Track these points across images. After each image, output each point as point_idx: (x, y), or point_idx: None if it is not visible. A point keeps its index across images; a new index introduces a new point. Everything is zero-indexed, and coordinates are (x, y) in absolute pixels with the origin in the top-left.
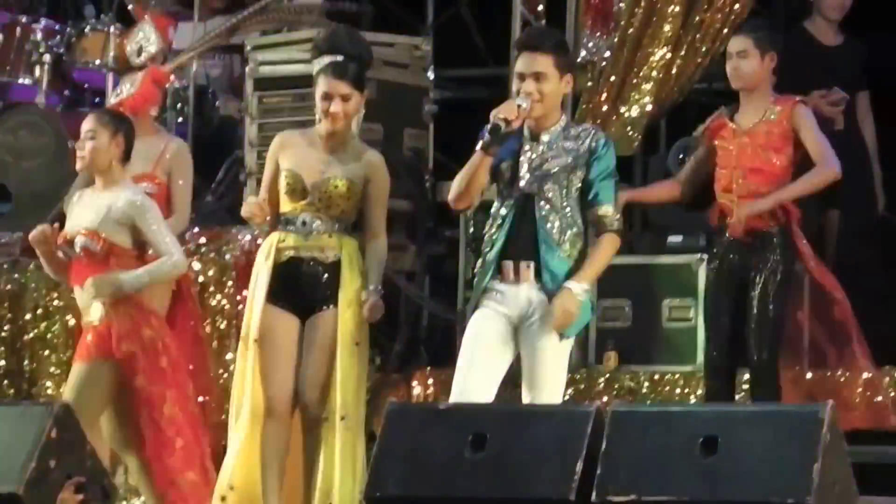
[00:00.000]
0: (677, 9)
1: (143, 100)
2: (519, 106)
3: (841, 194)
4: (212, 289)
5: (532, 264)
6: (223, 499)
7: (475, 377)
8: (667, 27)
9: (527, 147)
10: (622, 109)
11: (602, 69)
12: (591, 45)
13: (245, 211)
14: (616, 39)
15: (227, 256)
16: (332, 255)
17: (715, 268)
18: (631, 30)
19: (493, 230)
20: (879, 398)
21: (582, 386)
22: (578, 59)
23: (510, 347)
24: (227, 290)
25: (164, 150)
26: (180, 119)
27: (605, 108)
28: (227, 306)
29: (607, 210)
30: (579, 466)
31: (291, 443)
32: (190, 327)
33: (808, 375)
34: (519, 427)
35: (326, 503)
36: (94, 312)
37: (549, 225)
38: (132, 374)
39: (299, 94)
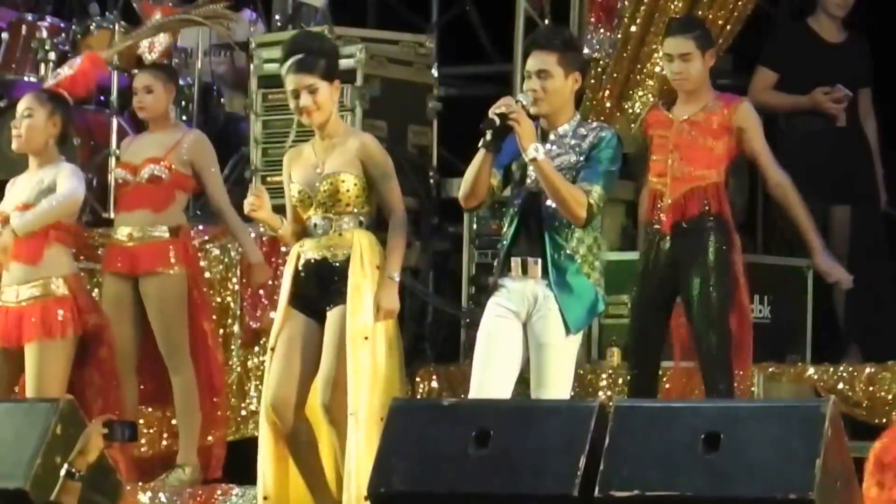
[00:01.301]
0: (680, 5)
1: (78, 81)
2: (518, 102)
3: (844, 190)
4: (217, 286)
5: (539, 261)
6: (266, 498)
7: (491, 376)
8: None
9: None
10: (626, 106)
11: (606, 66)
12: (594, 42)
13: (247, 207)
14: (620, 36)
15: (233, 254)
16: (343, 252)
17: (646, 258)
18: (634, 27)
19: (506, 227)
20: None
21: (586, 382)
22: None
23: (522, 344)
24: (231, 288)
25: (180, 140)
26: (185, 116)
27: (608, 104)
28: (231, 304)
29: (585, 185)
30: (582, 462)
31: (322, 440)
32: (195, 321)
33: (811, 371)
34: (522, 423)
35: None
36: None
37: (556, 222)
38: (98, 345)
39: None
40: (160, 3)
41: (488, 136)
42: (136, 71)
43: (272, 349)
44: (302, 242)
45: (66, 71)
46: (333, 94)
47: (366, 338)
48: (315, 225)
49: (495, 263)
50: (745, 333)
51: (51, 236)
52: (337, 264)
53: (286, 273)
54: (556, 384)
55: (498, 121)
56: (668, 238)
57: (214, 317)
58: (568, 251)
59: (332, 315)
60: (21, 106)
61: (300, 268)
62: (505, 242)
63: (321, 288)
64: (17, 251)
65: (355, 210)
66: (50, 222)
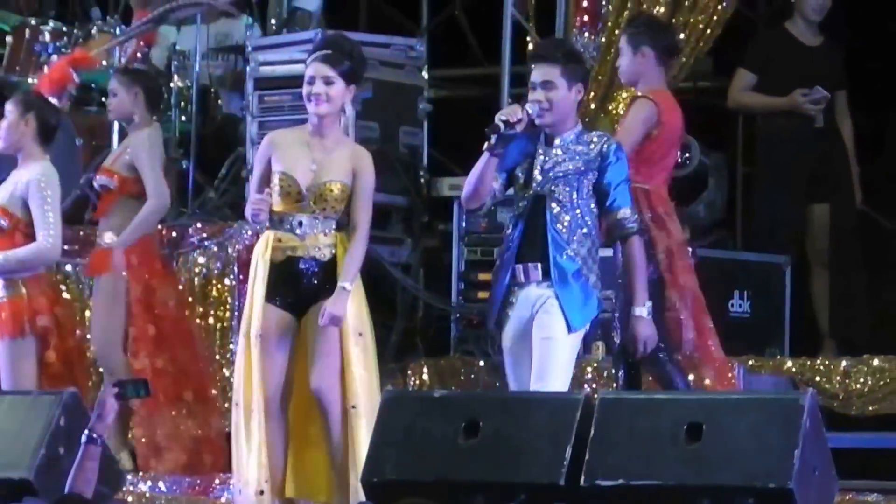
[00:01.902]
0: (662, 10)
1: (53, 81)
2: (524, 110)
3: (821, 189)
4: (214, 282)
5: (540, 265)
6: (261, 493)
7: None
8: None
9: (541, 151)
10: (610, 107)
11: (590, 69)
12: (579, 45)
13: (253, 209)
14: (604, 40)
15: (230, 250)
16: (328, 252)
17: None
18: (618, 31)
19: (510, 231)
20: None
21: (572, 374)
22: None
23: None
24: (229, 283)
25: (125, 146)
26: (184, 117)
27: (592, 105)
28: (229, 299)
29: (626, 212)
30: (569, 452)
31: (314, 431)
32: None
33: (789, 364)
34: (511, 414)
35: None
36: None
37: (559, 225)
38: (44, 348)
39: (298, 93)
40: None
41: (492, 141)
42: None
43: (260, 336)
44: (278, 237)
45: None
46: (346, 95)
47: (360, 334)
48: (300, 224)
49: (497, 262)
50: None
51: (17, 239)
52: (322, 264)
53: (260, 265)
54: (556, 378)
55: (503, 127)
56: None
57: (212, 311)
58: (569, 253)
59: (318, 309)
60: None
61: (277, 262)
62: (510, 244)
63: (303, 285)
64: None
65: (337, 214)
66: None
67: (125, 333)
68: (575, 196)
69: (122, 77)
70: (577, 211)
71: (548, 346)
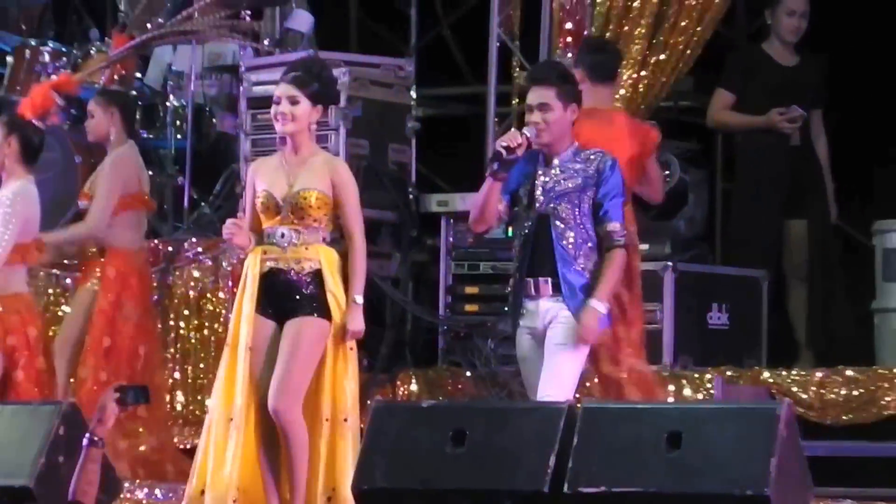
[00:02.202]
0: (643, 31)
1: (35, 105)
2: (523, 134)
3: (797, 205)
4: (209, 295)
5: (550, 280)
6: (234, 501)
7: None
8: (634, 48)
9: (541, 172)
10: None
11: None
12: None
13: (225, 233)
14: None
15: (224, 264)
16: (310, 265)
17: None
18: None
19: (518, 250)
20: None
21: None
22: None
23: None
24: (223, 297)
25: (100, 167)
26: (179, 135)
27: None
28: (223, 312)
29: (615, 226)
30: (552, 460)
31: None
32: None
33: (766, 374)
34: (496, 423)
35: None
36: None
37: (564, 241)
38: (13, 367)
39: None
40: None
41: (495, 167)
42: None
43: (249, 349)
44: (264, 250)
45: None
46: (312, 115)
47: (351, 348)
48: (282, 235)
49: (510, 282)
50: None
51: None
52: (302, 276)
53: (249, 278)
54: (563, 385)
55: (504, 153)
56: None
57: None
58: (577, 268)
59: (292, 324)
60: None
61: (263, 273)
62: (521, 263)
63: (284, 297)
64: None
65: (320, 226)
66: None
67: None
68: (577, 213)
69: (99, 98)
70: (581, 227)
71: (558, 352)
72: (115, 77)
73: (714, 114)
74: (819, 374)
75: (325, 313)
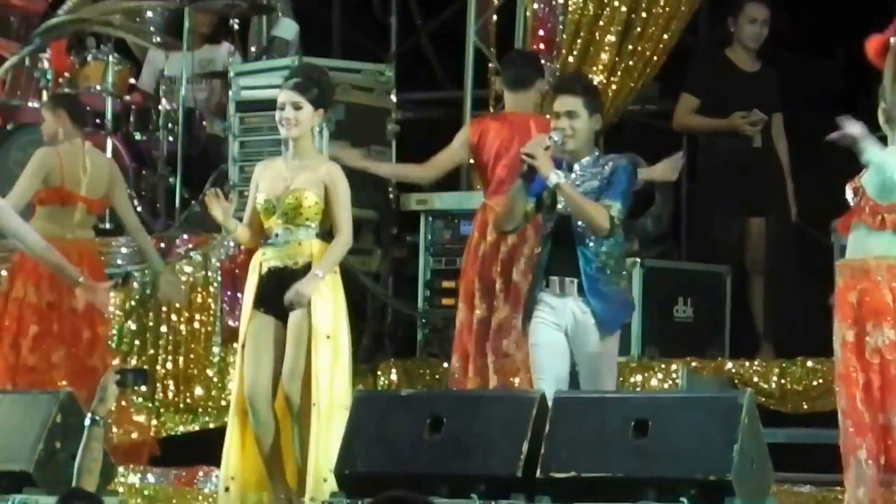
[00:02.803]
0: (613, 38)
1: None
2: (551, 139)
3: (758, 205)
4: (199, 289)
5: (575, 280)
6: (227, 489)
7: (546, 382)
8: (604, 55)
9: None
10: None
11: (544, 94)
12: None
13: (207, 199)
14: (559, 65)
15: (213, 260)
16: (303, 260)
17: None
18: (571, 57)
19: (541, 248)
20: None
21: (529, 375)
22: None
23: (567, 350)
24: (212, 291)
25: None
26: (171, 138)
27: None
28: (212, 305)
29: (609, 203)
30: (525, 446)
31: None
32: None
33: (729, 365)
34: (472, 411)
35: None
36: None
37: (586, 240)
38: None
39: None
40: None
41: (525, 169)
42: (127, 97)
43: (242, 346)
44: (264, 251)
45: None
46: (314, 118)
47: (328, 336)
48: (277, 234)
49: (531, 277)
50: None
51: None
52: (296, 270)
53: (250, 278)
54: (605, 383)
55: (528, 160)
56: None
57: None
58: (598, 265)
59: (293, 315)
60: None
61: (263, 274)
62: (542, 261)
63: (283, 291)
64: None
65: (312, 225)
66: None
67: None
68: None
69: (46, 104)
70: None
71: (592, 361)
72: (59, 80)
73: (679, 117)
74: (780, 365)
75: None
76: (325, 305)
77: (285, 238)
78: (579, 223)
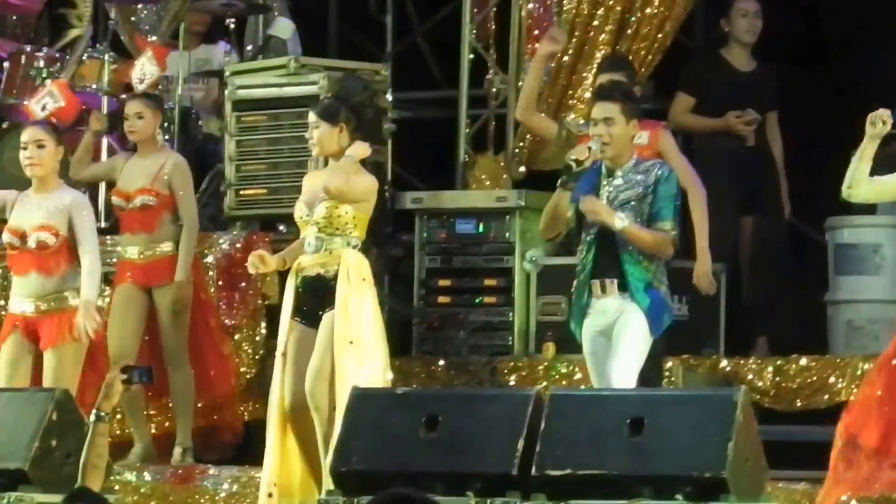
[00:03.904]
0: (607, 38)
1: (67, 111)
2: (589, 148)
3: (752, 203)
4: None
5: (616, 280)
6: (269, 495)
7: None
8: (598, 54)
9: (604, 182)
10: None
11: (542, 91)
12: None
13: (250, 266)
14: (553, 65)
15: (209, 259)
16: (334, 268)
17: None
18: (566, 57)
19: (583, 255)
20: None
21: (524, 373)
22: (520, 83)
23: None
24: (208, 289)
25: (162, 165)
26: (167, 137)
27: None
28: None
29: (665, 224)
30: (521, 444)
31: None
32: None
33: (724, 363)
34: (467, 409)
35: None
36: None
37: (629, 245)
38: (100, 353)
39: (273, 113)
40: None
41: (564, 178)
42: (124, 96)
43: (283, 355)
44: (299, 261)
45: (50, 103)
46: (334, 134)
47: (350, 342)
48: (310, 243)
49: (574, 284)
50: None
51: (62, 253)
52: (329, 277)
53: (288, 287)
54: (628, 370)
55: (574, 165)
56: None
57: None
58: (642, 269)
59: (324, 318)
60: (29, 137)
61: (298, 284)
62: (586, 265)
63: (317, 298)
64: (35, 264)
65: (345, 234)
66: None
67: None
68: (638, 220)
69: (150, 101)
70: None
71: (624, 336)
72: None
73: (675, 117)
74: (774, 363)
75: None
76: (350, 312)
77: (317, 246)
78: None
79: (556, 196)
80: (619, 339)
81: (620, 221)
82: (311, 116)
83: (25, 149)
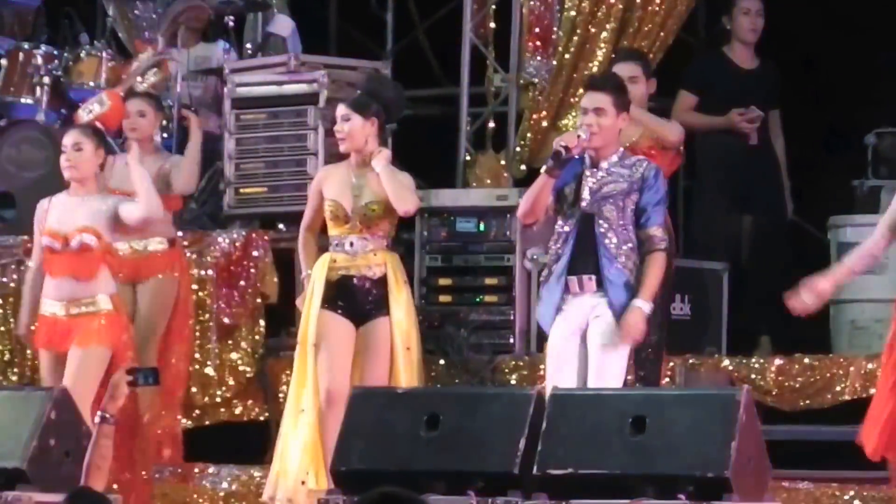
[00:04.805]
0: (609, 35)
1: (112, 117)
2: (578, 136)
3: (755, 201)
4: (195, 286)
5: (594, 277)
6: (303, 483)
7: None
8: (599, 52)
9: (587, 173)
10: (560, 125)
11: (542, 89)
12: (532, 68)
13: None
14: (555, 62)
15: (209, 257)
16: (379, 270)
17: None
18: (568, 54)
19: (559, 245)
20: None
21: (525, 372)
22: (521, 81)
23: (583, 359)
24: (207, 288)
25: (161, 167)
26: (166, 134)
27: (544, 123)
28: (208, 301)
29: (656, 231)
30: (522, 443)
31: None
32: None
33: (726, 362)
34: (468, 408)
35: None
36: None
37: (607, 241)
38: (122, 359)
39: (272, 111)
40: (151, 41)
41: (551, 164)
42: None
43: (315, 345)
44: (333, 258)
45: (97, 108)
46: (366, 127)
47: (408, 348)
48: (351, 244)
49: (547, 273)
50: None
51: (102, 257)
52: (373, 281)
53: (317, 283)
54: (615, 380)
55: (563, 152)
56: None
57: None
58: (619, 266)
59: (375, 325)
60: (70, 140)
61: (334, 280)
62: (562, 258)
63: (359, 300)
64: (71, 269)
65: (385, 233)
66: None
67: None
68: (620, 215)
69: (151, 101)
70: (623, 228)
71: (603, 356)
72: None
73: (677, 114)
74: (777, 362)
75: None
76: (411, 319)
77: (360, 248)
78: (601, 222)
79: (539, 181)
80: (597, 358)
81: (645, 305)
82: (342, 109)
83: (65, 152)
